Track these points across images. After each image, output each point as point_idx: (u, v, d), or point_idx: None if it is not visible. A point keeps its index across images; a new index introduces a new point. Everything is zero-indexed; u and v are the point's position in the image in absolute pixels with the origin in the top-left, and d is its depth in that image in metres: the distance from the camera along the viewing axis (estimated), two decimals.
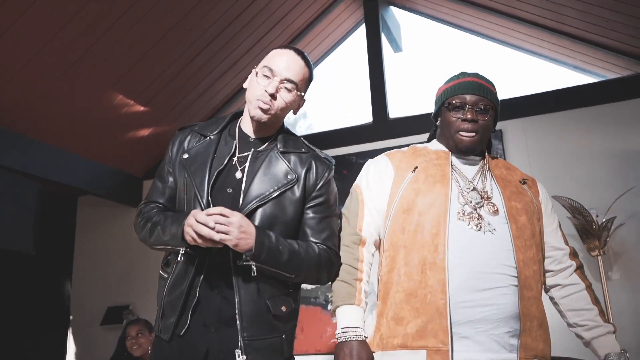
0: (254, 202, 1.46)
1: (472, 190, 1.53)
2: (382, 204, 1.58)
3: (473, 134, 1.56)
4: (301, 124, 5.21)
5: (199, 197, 1.46)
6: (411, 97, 4.27)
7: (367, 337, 1.48)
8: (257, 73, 1.53)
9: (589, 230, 3.07)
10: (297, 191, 1.51)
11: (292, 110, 1.59)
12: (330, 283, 1.58)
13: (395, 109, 4.09)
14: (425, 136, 3.74)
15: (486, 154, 1.66)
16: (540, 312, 1.48)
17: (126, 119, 4.00)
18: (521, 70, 4.23)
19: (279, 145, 1.55)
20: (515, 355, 1.41)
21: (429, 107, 3.94)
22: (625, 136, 3.38)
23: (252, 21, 3.90)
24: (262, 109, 1.49)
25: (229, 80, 4.30)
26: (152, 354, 1.54)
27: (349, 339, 1.44)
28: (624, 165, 3.34)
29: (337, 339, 1.48)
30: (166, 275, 1.52)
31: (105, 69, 3.49)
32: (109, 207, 4.59)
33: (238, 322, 1.40)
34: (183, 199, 1.52)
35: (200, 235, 1.33)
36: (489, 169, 1.61)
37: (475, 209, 1.49)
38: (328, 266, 1.52)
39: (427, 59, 4.65)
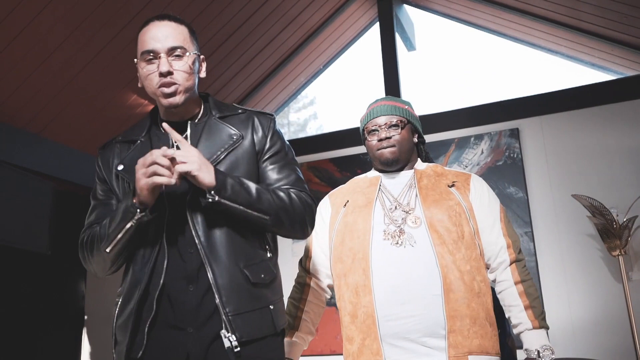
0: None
1: (396, 209, 1.66)
2: (324, 241, 1.78)
3: (391, 148, 1.72)
4: (312, 125, 5.20)
5: None
6: (425, 96, 4.23)
7: None
8: (141, 66, 1.38)
9: (609, 230, 3.01)
10: (247, 146, 1.42)
11: (198, 74, 1.45)
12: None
13: None
14: (439, 135, 3.75)
15: (416, 165, 1.78)
16: (473, 310, 1.53)
17: (139, 120, 4.00)
18: (538, 68, 4.17)
19: (213, 112, 1.46)
20: (444, 355, 1.49)
21: (444, 106, 3.92)
22: None
23: (265, 20, 3.89)
24: (168, 94, 1.35)
25: (242, 80, 4.29)
26: None
27: None
28: None
29: None
30: (117, 299, 1.37)
31: (119, 68, 3.50)
32: None
33: (217, 299, 1.26)
34: None
35: (157, 175, 1.22)
36: (415, 181, 1.71)
37: (399, 226, 1.61)
38: (305, 206, 1.41)
39: (441, 57, 4.61)
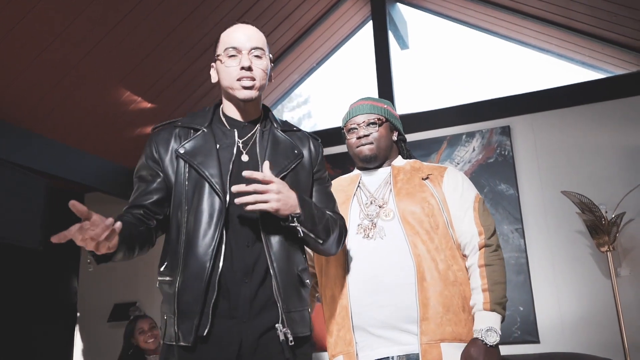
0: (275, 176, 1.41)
1: (371, 204, 1.72)
2: None
3: (369, 145, 1.77)
4: (306, 124, 5.21)
5: (214, 187, 1.39)
6: (418, 93, 4.26)
7: None
8: (221, 60, 1.47)
9: (598, 226, 3.06)
10: (306, 164, 1.54)
11: (268, 79, 1.54)
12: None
13: (402, 106, 4.09)
14: (431, 132, 3.78)
15: (394, 162, 1.83)
16: (446, 298, 1.55)
17: (134, 116, 4.01)
18: (529, 66, 4.21)
19: (275, 125, 1.55)
20: (417, 342, 1.51)
21: (436, 104, 3.95)
22: (634, 132, 3.36)
23: (259, 18, 3.90)
24: (247, 87, 1.44)
25: None
26: None
27: None
28: (633, 161, 3.32)
29: None
30: (168, 278, 1.41)
31: (112, 65, 3.50)
32: (116, 204, 4.59)
33: (277, 296, 1.35)
34: (183, 193, 1.41)
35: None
36: (392, 177, 1.76)
37: (371, 220, 1.67)
38: (343, 235, 1.55)
39: (434, 56, 4.63)
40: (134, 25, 3.31)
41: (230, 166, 1.42)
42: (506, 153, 3.59)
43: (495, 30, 4.20)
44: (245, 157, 1.46)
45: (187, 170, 1.43)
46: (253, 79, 1.44)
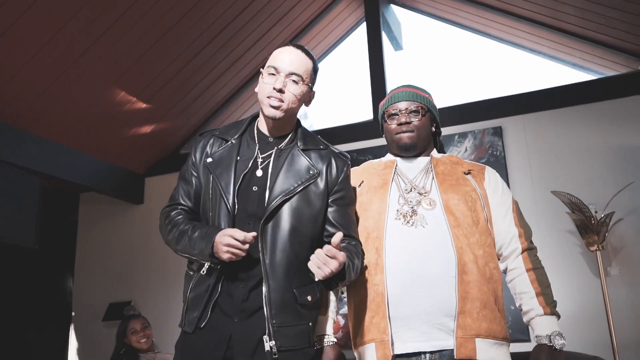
0: (279, 197, 1.52)
1: (411, 191, 1.68)
2: None
3: (410, 133, 1.74)
4: (303, 123, 5.24)
5: (224, 198, 1.53)
6: None
7: (335, 341, 1.69)
8: (262, 75, 1.60)
9: (587, 226, 3.10)
10: (320, 185, 1.59)
11: (304, 103, 1.66)
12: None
13: None
14: None
15: (432, 153, 1.81)
16: (484, 294, 1.54)
17: (128, 116, 4.03)
18: (520, 67, 4.25)
19: (299, 143, 1.63)
20: (452, 336, 1.49)
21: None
22: (624, 132, 3.41)
23: (253, 18, 3.93)
24: (273, 106, 1.55)
25: (231, 77, 4.32)
26: (178, 347, 1.59)
27: (322, 346, 1.66)
28: (622, 161, 3.37)
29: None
30: (191, 273, 1.59)
31: (107, 66, 3.52)
32: (110, 203, 4.62)
33: (266, 310, 1.46)
34: (208, 201, 1.58)
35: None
36: (432, 166, 1.74)
37: (412, 207, 1.63)
38: (362, 259, 1.61)
39: (427, 56, 4.67)
40: (128, 25, 3.32)
41: (241, 179, 1.55)
42: (498, 153, 3.63)
43: (487, 32, 4.24)
44: (259, 172, 1.58)
45: (211, 178, 1.58)
46: (281, 100, 1.55)
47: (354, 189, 1.74)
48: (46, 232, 3.57)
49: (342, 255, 1.40)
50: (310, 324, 1.55)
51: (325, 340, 1.67)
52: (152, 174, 4.64)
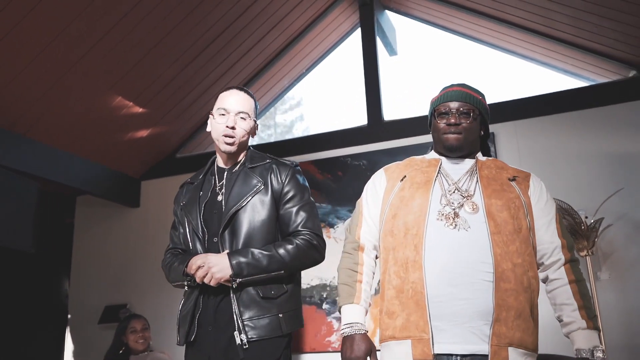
0: (232, 209, 1.80)
1: (454, 192, 1.66)
2: (376, 212, 1.77)
3: (457, 134, 1.71)
4: (298, 126, 5.27)
5: (194, 227, 1.86)
6: (405, 99, 4.33)
7: (367, 331, 1.66)
8: (213, 116, 1.89)
9: (577, 231, 3.14)
10: (267, 193, 1.83)
11: (250, 135, 1.93)
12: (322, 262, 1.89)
13: (390, 112, 4.16)
14: (418, 138, 3.85)
15: (478, 156, 1.77)
16: (520, 303, 1.52)
17: (125, 120, 4.06)
18: (513, 73, 4.30)
19: (247, 164, 1.90)
20: (487, 343, 1.48)
21: (423, 110, 4.02)
22: (614, 139, 3.46)
23: (249, 24, 3.96)
24: (227, 143, 1.85)
25: (227, 82, 4.35)
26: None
27: (350, 334, 1.63)
28: (612, 168, 3.41)
29: (342, 334, 1.66)
30: (183, 298, 1.87)
31: (104, 71, 3.55)
32: (106, 207, 4.64)
33: (235, 308, 1.71)
34: (187, 236, 1.90)
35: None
36: (477, 169, 1.71)
37: (454, 209, 1.61)
38: (310, 249, 1.82)
39: (421, 62, 4.72)
40: (126, 31, 3.36)
41: (203, 208, 1.86)
42: (496, 158, 3.67)
43: (481, 38, 4.28)
44: (220, 197, 1.86)
45: (185, 218, 1.91)
46: (234, 136, 1.85)
47: (394, 183, 1.77)
48: (42, 235, 3.59)
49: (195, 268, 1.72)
50: (280, 315, 1.75)
51: (355, 327, 1.65)
52: (149, 178, 4.67)
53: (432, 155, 1.81)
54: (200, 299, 1.78)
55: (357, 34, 4.43)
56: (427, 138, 3.94)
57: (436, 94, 1.84)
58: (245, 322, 1.70)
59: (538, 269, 1.67)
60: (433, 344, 1.51)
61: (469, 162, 1.74)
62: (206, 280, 1.71)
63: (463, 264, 1.53)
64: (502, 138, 3.71)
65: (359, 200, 1.84)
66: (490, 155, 1.84)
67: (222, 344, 1.72)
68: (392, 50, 4.59)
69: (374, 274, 1.78)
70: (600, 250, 3.30)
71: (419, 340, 1.52)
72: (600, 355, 1.54)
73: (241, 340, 1.67)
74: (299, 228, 1.81)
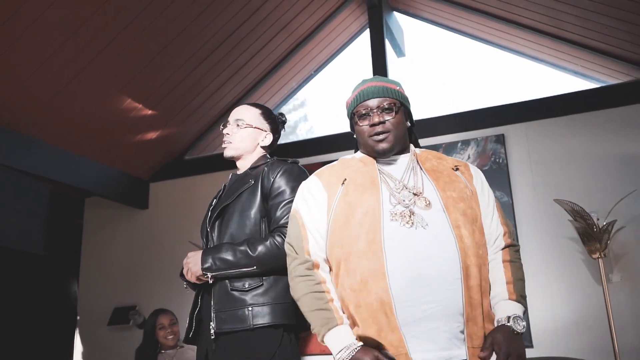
0: (220, 206, 1.90)
1: (402, 189, 1.53)
2: (321, 223, 1.57)
3: (385, 135, 1.57)
4: (302, 127, 5.26)
5: (204, 224, 2.00)
6: (414, 101, 4.29)
7: (361, 345, 1.43)
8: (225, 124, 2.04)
9: (589, 233, 3.12)
10: (257, 188, 1.88)
11: (258, 142, 2.01)
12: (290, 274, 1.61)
13: None
14: (427, 140, 3.84)
15: (412, 149, 1.66)
16: (485, 298, 1.45)
17: (133, 123, 4.07)
18: (522, 75, 4.28)
19: (251, 167, 1.98)
20: (464, 345, 1.38)
21: (432, 112, 4.01)
22: (626, 141, 3.44)
23: (257, 27, 3.96)
24: (224, 147, 2.01)
25: (234, 85, 4.36)
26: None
27: (350, 357, 1.41)
28: (624, 170, 3.39)
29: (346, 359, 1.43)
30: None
31: (113, 74, 3.56)
32: (115, 208, 4.65)
33: (212, 301, 1.79)
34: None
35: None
36: (417, 163, 1.60)
37: (407, 207, 1.48)
38: (277, 254, 1.77)
39: (429, 64, 4.70)
40: (135, 34, 3.37)
41: (209, 212, 1.97)
42: (500, 161, 3.66)
43: (490, 40, 4.27)
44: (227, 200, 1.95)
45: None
46: (229, 141, 1.99)
47: (335, 188, 1.59)
48: (52, 237, 3.60)
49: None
50: (250, 308, 1.75)
51: (352, 348, 1.41)
52: (157, 180, 4.67)
53: (361, 154, 1.67)
54: (199, 298, 1.87)
55: (365, 35, 4.43)
56: (435, 140, 3.94)
57: (350, 95, 1.68)
58: (215, 314, 1.76)
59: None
60: (411, 357, 1.37)
61: (405, 158, 1.62)
62: (187, 276, 1.83)
63: (428, 264, 1.40)
64: (512, 140, 3.70)
65: (294, 212, 1.63)
66: (419, 146, 1.74)
67: (208, 336, 1.80)
68: (400, 52, 4.58)
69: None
70: (612, 252, 3.28)
71: (398, 356, 1.37)
72: (520, 322, 1.42)
73: (213, 330, 1.74)
74: (279, 224, 1.80)
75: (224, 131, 2.02)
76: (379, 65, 4.18)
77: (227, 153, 2.01)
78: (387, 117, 1.57)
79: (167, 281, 4.26)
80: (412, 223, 1.45)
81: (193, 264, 1.81)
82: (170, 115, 4.23)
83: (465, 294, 1.40)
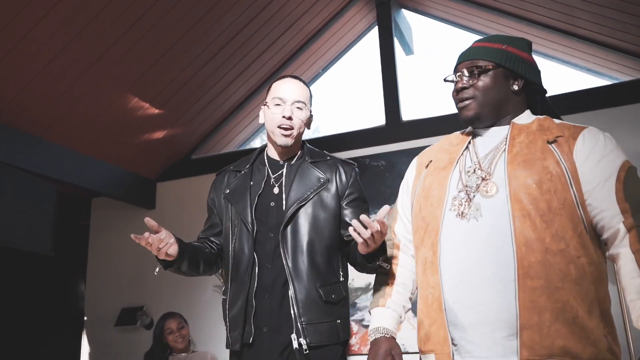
0: (294, 204, 1.67)
1: (474, 172, 1.38)
2: (406, 206, 1.56)
3: (467, 101, 1.43)
4: (313, 127, 5.24)
5: (243, 220, 1.69)
6: (423, 99, 4.27)
7: (394, 334, 1.48)
8: (268, 106, 1.76)
9: None
10: (332, 190, 1.72)
11: (307, 127, 1.81)
12: None
13: (408, 111, 4.10)
14: (438, 138, 3.76)
15: (516, 120, 1.43)
16: (557, 302, 1.21)
17: (140, 122, 4.05)
18: None
19: (307, 158, 1.78)
20: (516, 356, 1.22)
21: (442, 110, 3.96)
22: (638, 139, 3.37)
23: (264, 25, 3.93)
24: (285, 135, 1.72)
25: (242, 83, 4.33)
26: None
27: (375, 338, 1.47)
28: (637, 167, 3.32)
29: (369, 338, 1.51)
30: (224, 297, 1.73)
31: (120, 72, 3.54)
32: (122, 208, 4.64)
33: (294, 309, 1.59)
34: (229, 228, 1.74)
35: None
36: (508, 139, 1.38)
37: (468, 194, 1.34)
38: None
39: (438, 61, 4.66)
40: (141, 33, 3.34)
41: (256, 199, 1.71)
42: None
43: None
44: (276, 190, 1.73)
45: (230, 207, 1.75)
46: (291, 127, 1.72)
47: (421, 170, 1.54)
48: (58, 237, 3.59)
49: (377, 225, 1.37)
50: (338, 321, 1.64)
51: (380, 331, 1.46)
52: (164, 179, 4.65)
53: (470, 127, 1.52)
54: (252, 298, 1.63)
55: (374, 33, 4.39)
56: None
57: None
58: (304, 326, 1.58)
59: (603, 248, 1.32)
60: (454, 358, 1.30)
61: (502, 130, 1.42)
62: (374, 241, 1.39)
63: (480, 262, 1.27)
64: None
65: (400, 188, 1.65)
66: (547, 113, 1.48)
67: (279, 348, 1.61)
68: (409, 50, 4.54)
69: (413, 273, 1.53)
70: None
71: (440, 355, 1.32)
72: None
73: (300, 344, 1.56)
74: None
75: (285, 114, 1.70)
76: (388, 64, 4.14)
77: (289, 142, 1.73)
78: (472, 82, 1.41)
79: (175, 282, 4.23)
80: (463, 214, 1.33)
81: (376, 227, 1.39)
82: (177, 115, 4.21)
83: (520, 297, 1.21)
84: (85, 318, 4.59)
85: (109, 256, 4.65)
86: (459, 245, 1.32)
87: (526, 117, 1.44)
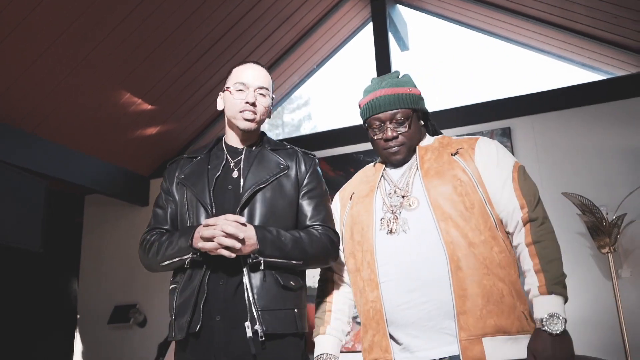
0: (252, 187, 1.61)
1: (394, 194, 1.56)
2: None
3: (399, 147, 1.59)
4: (305, 125, 5.21)
5: (201, 202, 1.62)
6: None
7: (335, 357, 1.63)
8: (230, 91, 1.69)
9: (599, 228, 3.05)
10: (291, 177, 1.68)
11: (268, 115, 1.76)
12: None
13: None
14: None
15: (420, 144, 1.62)
16: (484, 287, 1.38)
17: (133, 118, 4.01)
18: (529, 67, 4.21)
19: (266, 145, 1.74)
20: (456, 339, 1.37)
21: (435, 105, 3.94)
22: (635, 133, 3.36)
23: (258, 20, 3.90)
24: (247, 119, 1.66)
25: None
26: (175, 358, 1.61)
27: None
28: (633, 162, 3.32)
29: None
30: (175, 285, 1.63)
31: (112, 68, 3.50)
32: (115, 205, 4.60)
33: (248, 295, 1.49)
34: (186, 212, 1.65)
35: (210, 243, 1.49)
36: (418, 160, 1.57)
37: (393, 213, 1.52)
38: (332, 245, 1.63)
39: (434, 57, 4.64)
40: (133, 27, 3.31)
41: (214, 181, 1.65)
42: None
43: (495, 32, 4.20)
44: (235, 174, 1.67)
45: (185, 191, 1.68)
46: (254, 112, 1.67)
47: (345, 202, 1.69)
48: (51, 234, 3.56)
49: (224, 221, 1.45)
50: (295, 310, 1.57)
51: (322, 358, 1.62)
52: (157, 176, 4.62)
53: (378, 162, 1.70)
54: (205, 283, 1.52)
55: (369, 28, 4.36)
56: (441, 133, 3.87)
57: (362, 97, 1.67)
58: (260, 312, 1.48)
59: (509, 238, 1.50)
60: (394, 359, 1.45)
61: (410, 157, 1.62)
62: (228, 243, 1.44)
63: (412, 268, 1.43)
64: (519, 133, 3.63)
65: None
66: (438, 133, 1.69)
67: (233, 337, 1.49)
68: (404, 45, 4.51)
69: (350, 299, 1.70)
70: (621, 247, 3.21)
71: None
72: (557, 322, 1.32)
73: (255, 332, 1.46)
74: (319, 223, 1.64)
75: (248, 99, 1.66)
76: (383, 59, 4.12)
77: (252, 127, 1.68)
78: (400, 130, 1.58)
79: (168, 279, 4.20)
80: (392, 230, 1.49)
81: (248, 236, 1.47)
82: (170, 111, 4.18)
83: (454, 288, 1.38)
84: (78, 316, 4.56)
85: (102, 254, 4.62)
86: (393, 258, 1.47)
87: (427, 140, 1.65)
